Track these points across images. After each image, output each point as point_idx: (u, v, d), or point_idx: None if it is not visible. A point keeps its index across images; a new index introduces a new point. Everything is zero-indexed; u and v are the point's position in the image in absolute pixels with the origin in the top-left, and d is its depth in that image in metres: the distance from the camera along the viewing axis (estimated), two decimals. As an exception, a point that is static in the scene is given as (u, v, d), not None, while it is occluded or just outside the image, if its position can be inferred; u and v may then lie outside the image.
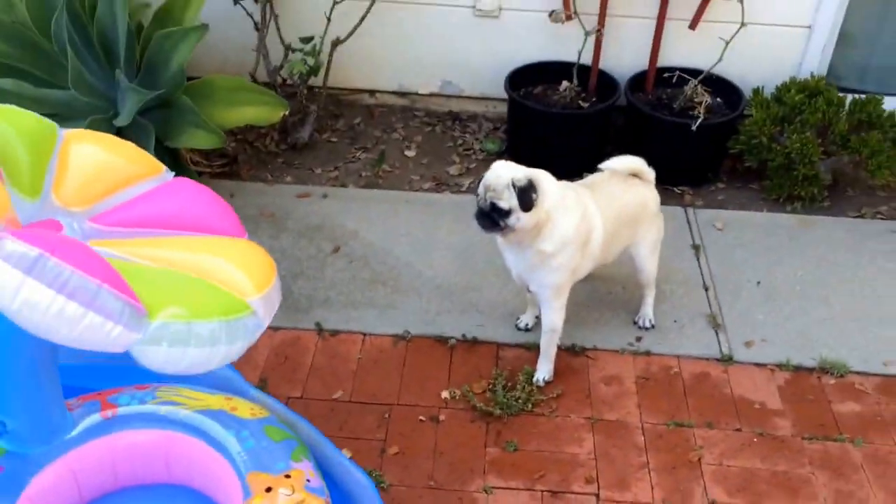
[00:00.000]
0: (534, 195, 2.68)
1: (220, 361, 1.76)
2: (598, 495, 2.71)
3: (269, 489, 2.08)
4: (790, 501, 2.71)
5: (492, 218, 2.73)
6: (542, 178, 2.77)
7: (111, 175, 2.07)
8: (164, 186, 2.11)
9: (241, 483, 2.13)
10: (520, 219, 2.70)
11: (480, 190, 2.75)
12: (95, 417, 2.30)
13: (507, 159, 2.84)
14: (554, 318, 2.97)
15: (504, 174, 2.71)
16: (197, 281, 1.80)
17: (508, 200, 2.67)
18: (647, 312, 3.31)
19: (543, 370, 3.07)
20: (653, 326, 3.30)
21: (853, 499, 2.72)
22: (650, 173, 3.12)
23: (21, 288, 1.60)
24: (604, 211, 2.93)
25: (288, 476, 2.14)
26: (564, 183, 2.89)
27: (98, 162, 2.09)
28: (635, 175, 3.10)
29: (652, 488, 2.73)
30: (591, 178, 3.10)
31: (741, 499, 2.71)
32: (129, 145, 2.19)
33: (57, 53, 3.54)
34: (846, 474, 2.80)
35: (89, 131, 2.20)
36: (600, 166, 3.11)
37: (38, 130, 2.04)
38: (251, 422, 2.32)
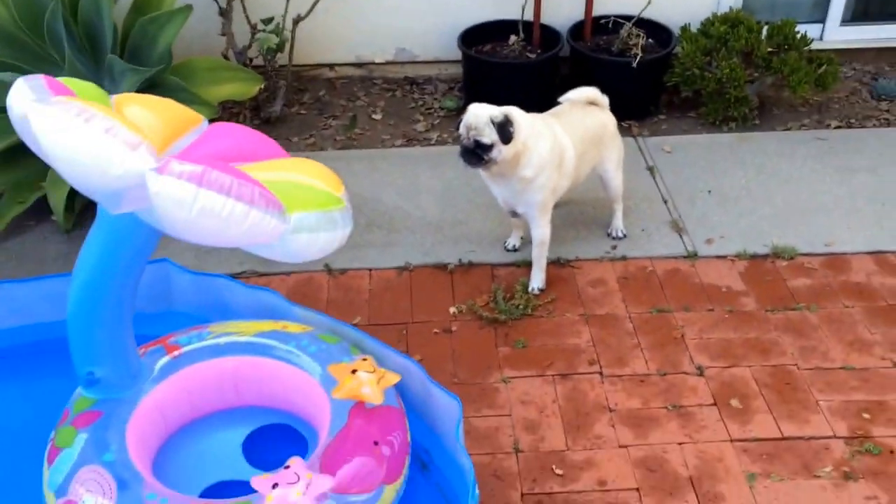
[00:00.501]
0: (511, 128, 3.05)
1: (339, 243, 2.10)
2: (601, 373, 3.09)
3: (353, 371, 2.38)
4: (764, 360, 3.13)
5: (476, 154, 3.08)
6: (515, 112, 3.14)
7: (164, 128, 2.29)
8: (209, 131, 2.36)
9: (321, 377, 2.42)
10: (501, 151, 3.05)
11: (462, 130, 3.09)
12: (165, 359, 2.54)
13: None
14: (542, 231, 3.34)
15: (482, 113, 3.06)
16: (300, 186, 2.10)
17: (490, 136, 3.03)
18: (619, 224, 3.71)
19: (537, 279, 3.44)
20: (625, 236, 3.70)
21: (816, 351, 3.17)
22: (604, 99, 3.52)
23: (196, 197, 1.86)
24: (571, 135, 3.31)
25: (364, 359, 2.45)
26: (533, 115, 3.26)
27: (149, 119, 2.30)
28: (592, 103, 3.50)
29: (646, 362, 3.13)
30: (554, 110, 3.48)
31: (723, 362, 3.13)
32: (169, 101, 2.41)
33: (44, 48, 3.75)
34: (807, 334, 3.24)
35: (131, 94, 2.43)
36: (560, 99, 3.51)
37: (98, 96, 2.25)
38: (305, 334, 2.61)
